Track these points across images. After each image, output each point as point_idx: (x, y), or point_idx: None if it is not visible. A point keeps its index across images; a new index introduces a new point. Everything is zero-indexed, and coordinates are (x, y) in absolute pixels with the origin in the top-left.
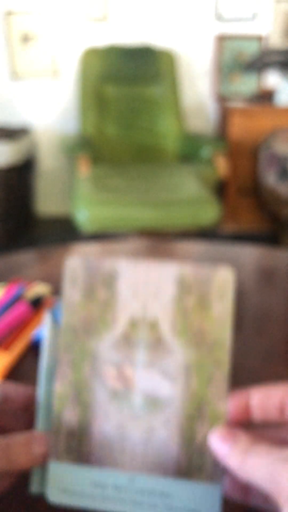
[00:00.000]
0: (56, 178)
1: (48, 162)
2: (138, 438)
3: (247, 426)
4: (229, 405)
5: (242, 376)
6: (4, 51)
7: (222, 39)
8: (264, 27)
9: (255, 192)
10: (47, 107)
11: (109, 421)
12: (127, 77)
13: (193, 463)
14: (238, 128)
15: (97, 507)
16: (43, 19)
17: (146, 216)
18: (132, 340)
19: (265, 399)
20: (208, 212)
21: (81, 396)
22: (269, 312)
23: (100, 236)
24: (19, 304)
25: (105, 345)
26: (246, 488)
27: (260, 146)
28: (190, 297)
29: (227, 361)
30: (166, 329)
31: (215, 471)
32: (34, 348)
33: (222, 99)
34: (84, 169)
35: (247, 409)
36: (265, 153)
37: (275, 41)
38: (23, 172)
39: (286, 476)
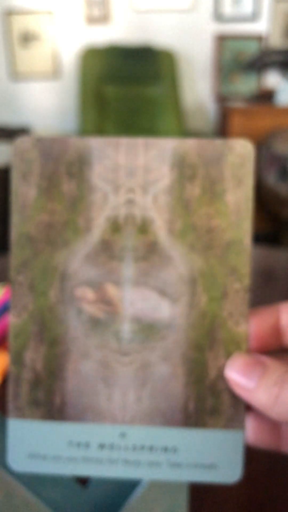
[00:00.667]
0: None
1: None
2: (130, 379)
3: (276, 353)
4: (252, 326)
5: None
6: (4, 51)
7: (222, 39)
8: (264, 27)
9: (255, 192)
10: (47, 107)
11: (89, 360)
12: (127, 77)
13: (205, 407)
14: (238, 128)
15: (77, 472)
16: (43, 19)
17: None
18: (114, 250)
19: None
20: None
21: (47, 329)
22: None
23: None
24: None
25: (77, 259)
26: (276, 431)
27: (260, 146)
28: (194, 184)
29: (247, 267)
30: (161, 231)
31: (235, 414)
32: None
33: (222, 99)
34: None
35: (276, 331)
36: (265, 153)
37: (275, 41)
38: None
39: None
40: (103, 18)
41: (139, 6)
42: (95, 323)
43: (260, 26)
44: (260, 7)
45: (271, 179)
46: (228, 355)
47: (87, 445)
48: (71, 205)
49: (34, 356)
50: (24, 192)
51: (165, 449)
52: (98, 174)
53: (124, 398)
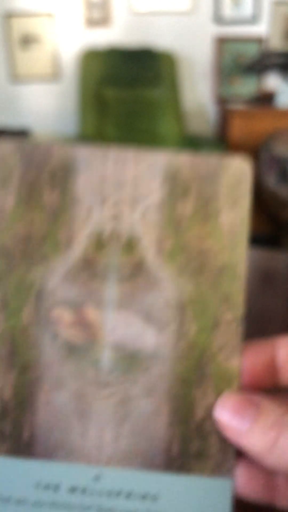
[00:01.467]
0: None
1: None
2: (108, 414)
3: (271, 392)
4: (245, 361)
5: None
6: (4, 53)
7: (222, 42)
8: (264, 30)
9: (255, 194)
10: (47, 109)
11: (63, 391)
12: (127, 80)
13: (191, 450)
14: (238, 130)
15: None
16: (43, 21)
17: None
18: (97, 268)
19: None
20: None
21: (18, 353)
22: (269, 315)
23: None
24: None
25: (56, 276)
26: (270, 482)
27: (260, 148)
28: (187, 202)
29: (241, 295)
30: (149, 250)
31: (223, 459)
32: None
33: (222, 101)
34: None
35: (271, 368)
36: (265, 155)
37: (275, 43)
38: None
39: None
40: (103, 21)
41: (139, 9)
42: (72, 349)
43: (260, 29)
44: (260, 9)
45: (271, 181)
46: (218, 393)
47: (56, 488)
48: (52, 217)
49: (2, 383)
50: (1, 200)
51: (144, 496)
52: (83, 185)
53: (100, 435)
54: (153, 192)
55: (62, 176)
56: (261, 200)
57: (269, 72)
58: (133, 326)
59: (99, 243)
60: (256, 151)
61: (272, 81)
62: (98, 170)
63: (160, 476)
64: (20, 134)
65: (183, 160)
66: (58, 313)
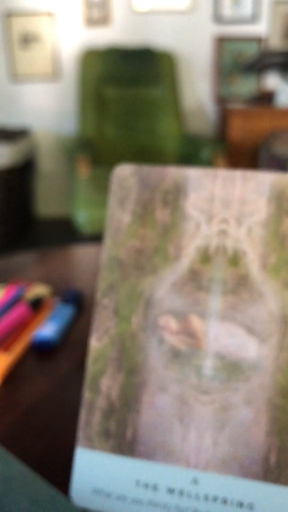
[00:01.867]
0: (56, 179)
1: (48, 163)
2: (208, 420)
3: None
4: None
5: None
6: (4, 52)
7: (221, 41)
8: (263, 29)
9: None
10: (47, 108)
11: (166, 394)
12: (127, 79)
13: None
14: (238, 129)
15: None
16: (43, 20)
17: None
18: (203, 280)
19: None
20: None
21: (126, 356)
22: None
23: (100, 237)
24: (19, 305)
25: (164, 286)
26: None
27: (259, 148)
28: None
29: None
30: (254, 264)
31: None
32: (34, 349)
33: (221, 100)
34: (83, 171)
35: None
36: (265, 154)
37: (275, 42)
38: (23, 173)
39: None
40: (102, 20)
41: (138, 8)
42: (176, 355)
43: (260, 28)
44: (260, 8)
45: None
46: None
47: (155, 488)
48: (163, 232)
49: (110, 384)
50: (119, 217)
51: (240, 504)
52: (192, 203)
53: (199, 440)
54: (260, 209)
55: (174, 195)
56: None
57: (268, 71)
58: (236, 337)
59: (205, 256)
60: (255, 150)
61: (272, 81)
62: (207, 189)
63: (257, 485)
64: (20, 133)
65: None
66: (165, 320)
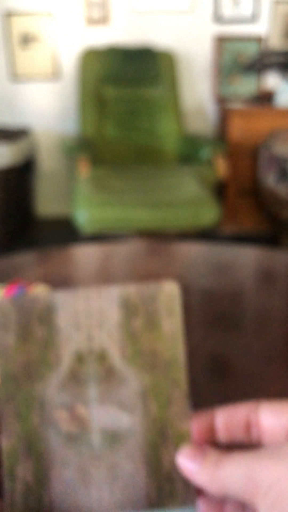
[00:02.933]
0: (56, 179)
1: (48, 163)
2: (103, 477)
3: (212, 447)
4: (193, 426)
5: (242, 377)
6: (4, 52)
7: (221, 41)
8: (263, 29)
9: (255, 193)
10: (47, 108)
11: (69, 467)
12: (127, 79)
13: (163, 491)
14: (238, 129)
15: None
16: (43, 20)
17: (146, 217)
18: (81, 377)
19: (230, 419)
20: (208, 213)
21: (33, 447)
22: (268, 313)
23: (100, 237)
24: None
25: (52, 388)
26: (221, 507)
27: (259, 147)
28: (137, 319)
29: (184, 378)
30: (116, 357)
31: (187, 494)
32: None
33: (221, 100)
34: (83, 170)
35: (212, 430)
36: (265, 154)
37: (275, 42)
38: (23, 173)
39: (261, 470)
40: (102, 20)
41: (138, 8)
42: (71, 437)
43: (260, 28)
44: (260, 8)
45: (271, 180)
46: (177, 447)
47: None
48: (43, 345)
49: (24, 470)
50: (4, 340)
51: None
52: (62, 318)
53: (100, 493)
54: (113, 315)
55: (46, 315)
56: (260, 199)
57: (268, 71)
58: (112, 414)
59: (80, 358)
60: (255, 150)
61: (272, 80)
62: (71, 306)
63: None
64: (20, 133)
65: (132, 289)
66: (58, 413)
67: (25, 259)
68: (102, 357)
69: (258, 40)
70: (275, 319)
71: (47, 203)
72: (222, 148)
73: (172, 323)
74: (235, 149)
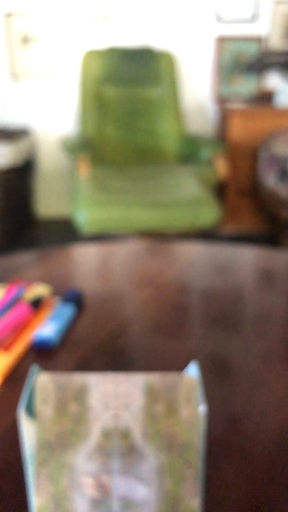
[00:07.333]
0: (56, 179)
1: (48, 163)
2: None
3: None
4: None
5: (242, 377)
6: (4, 52)
7: (221, 41)
8: (263, 29)
9: (255, 193)
10: (47, 108)
11: None
12: (127, 79)
13: None
14: (238, 129)
15: None
16: (43, 20)
17: (146, 217)
18: (106, 450)
19: None
20: (208, 213)
21: (61, 507)
22: (268, 313)
23: (100, 237)
24: (19, 305)
25: (81, 457)
26: None
27: (259, 147)
28: (159, 404)
29: (197, 461)
30: (138, 436)
31: None
32: (34, 349)
33: (221, 100)
34: (84, 170)
35: None
36: (265, 154)
37: (275, 42)
38: (23, 173)
39: None
40: (103, 20)
41: (139, 8)
42: (94, 502)
43: (260, 28)
44: (260, 8)
45: (271, 180)
46: None
47: None
48: (76, 419)
49: None
50: (43, 411)
51: None
52: (94, 399)
53: None
54: (138, 399)
55: (80, 394)
56: (261, 199)
57: (268, 71)
58: (131, 485)
59: (106, 433)
60: (255, 150)
61: (272, 80)
62: (102, 389)
63: None
64: (20, 132)
65: (155, 378)
66: (84, 480)
67: (25, 259)
68: (125, 435)
69: (258, 40)
70: (275, 319)
71: (47, 203)
72: (222, 148)
73: (190, 411)
74: (235, 149)
